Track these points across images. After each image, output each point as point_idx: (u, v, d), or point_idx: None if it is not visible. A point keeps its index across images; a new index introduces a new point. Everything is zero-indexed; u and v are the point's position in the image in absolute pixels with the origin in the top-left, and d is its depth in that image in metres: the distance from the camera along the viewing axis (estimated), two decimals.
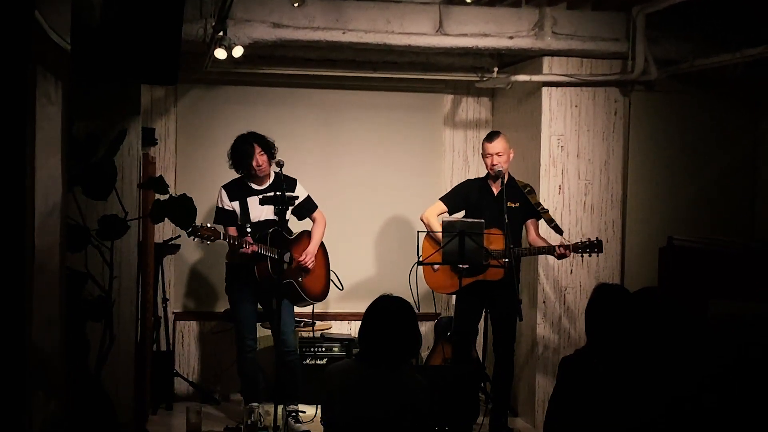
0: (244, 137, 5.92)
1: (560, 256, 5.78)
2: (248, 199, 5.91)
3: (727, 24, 6.23)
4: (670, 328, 3.69)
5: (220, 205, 5.97)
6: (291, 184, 6.03)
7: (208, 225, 5.65)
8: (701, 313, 5.06)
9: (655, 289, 4.41)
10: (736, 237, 6.29)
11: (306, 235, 6.13)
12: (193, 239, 5.62)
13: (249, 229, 5.75)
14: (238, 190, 5.95)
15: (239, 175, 5.99)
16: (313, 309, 6.18)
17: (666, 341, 3.67)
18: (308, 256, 6.00)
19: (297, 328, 6.44)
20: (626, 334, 3.70)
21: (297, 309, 6.20)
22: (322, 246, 6.18)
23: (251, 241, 5.70)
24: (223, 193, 5.97)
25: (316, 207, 6.17)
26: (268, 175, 6.00)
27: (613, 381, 3.65)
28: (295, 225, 6.18)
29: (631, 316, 3.71)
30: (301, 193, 6.07)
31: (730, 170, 6.68)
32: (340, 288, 6.21)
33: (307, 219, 6.20)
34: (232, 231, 5.90)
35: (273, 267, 5.72)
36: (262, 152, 5.89)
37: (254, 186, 5.95)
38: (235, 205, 5.92)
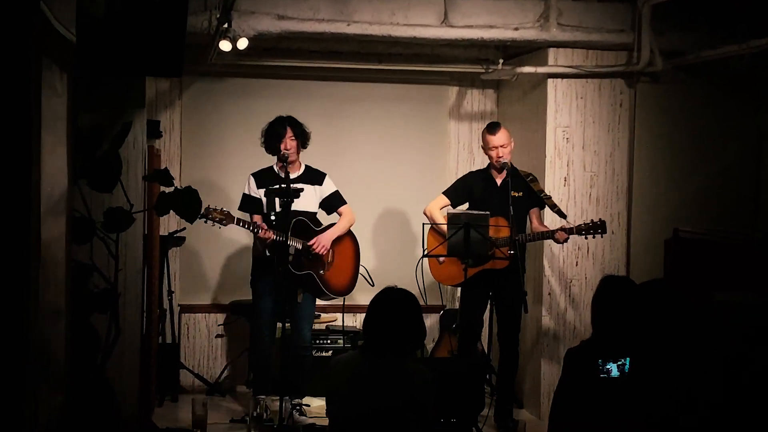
0: (281, 119, 5.90)
1: (561, 241, 5.80)
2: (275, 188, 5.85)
3: (733, 15, 6.21)
4: (676, 321, 3.68)
5: (247, 192, 5.95)
6: (320, 177, 6.03)
7: (222, 208, 5.64)
8: (706, 304, 5.06)
9: (661, 281, 4.40)
10: (741, 228, 6.28)
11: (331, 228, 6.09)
12: (205, 221, 5.60)
13: (273, 219, 5.65)
14: (265, 178, 5.88)
15: (271, 165, 5.91)
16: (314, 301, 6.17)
17: (672, 333, 3.66)
18: (319, 243, 5.88)
19: None
20: (632, 326, 3.70)
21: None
22: (353, 240, 6.12)
23: (265, 227, 5.67)
24: (251, 180, 5.95)
25: (345, 202, 6.10)
26: (298, 165, 5.99)
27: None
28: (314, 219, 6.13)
29: (637, 308, 3.70)
30: (329, 187, 6.05)
31: (735, 162, 6.66)
32: (371, 284, 6.00)
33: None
34: (257, 219, 5.88)
35: (292, 257, 5.72)
36: (293, 138, 5.86)
37: (283, 175, 5.89)
38: (262, 194, 5.88)
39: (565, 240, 5.81)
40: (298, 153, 5.93)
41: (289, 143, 5.85)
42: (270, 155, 5.94)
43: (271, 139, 5.87)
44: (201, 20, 5.82)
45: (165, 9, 4.34)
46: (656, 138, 6.55)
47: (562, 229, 5.78)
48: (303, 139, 5.94)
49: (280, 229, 5.66)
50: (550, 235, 5.81)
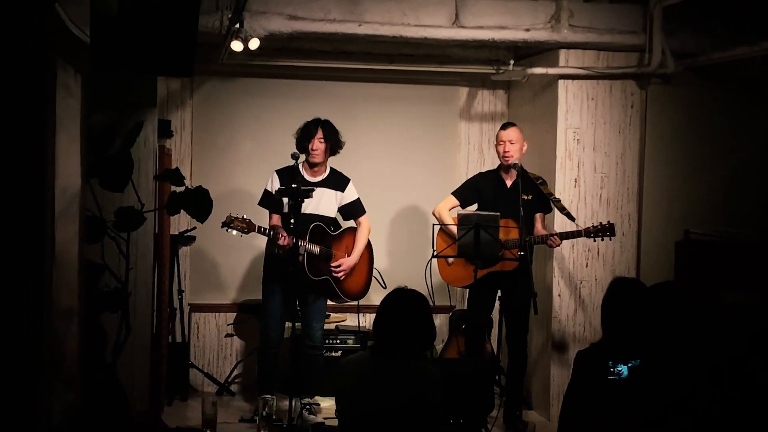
0: (317, 120, 5.92)
1: (553, 246, 5.85)
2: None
3: (745, 16, 6.19)
4: (686, 323, 3.67)
5: (269, 188, 5.93)
6: (343, 183, 6.02)
7: (244, 217, 5.64)
8: (717, 306, 5.05)
9: (672, 283, 4.39)
10: (752, 230, 6.27)
11: (348, 232, 6.08)
12: (227, 230, 5.62)
13: (292, 223, 5.58)
14: (289, 177, 5.80)
15: (294, 163, 5.80)
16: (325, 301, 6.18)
17: (682, 335, 3.65)
18: (342, 269, 5.93)
19: None
20: (642, 329, 3.69)
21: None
22: (368, 244, 6.15)
23: (285, 234, 5.66)
24: (275, 177, 5.93)
25: (364, 212, 6.12)
26: (324, 168, 5.98)
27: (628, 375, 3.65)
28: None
29: (648, 310, 3.70)
30: (351, 194, 6.05)
31: (746, 164, 6.64)
32: (384, 287, 6.11)
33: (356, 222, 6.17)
34: (276, 218, 5.88)
35: (308, 262, 5.72)
36: (323, 140, 5.85)
37: (307, 177, 5.89)
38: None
39: (558, 245, 5.82)
40: (325, 157, 5.93)
41: (317, 144, 5.85)
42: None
43: (302, 136, 5.89)
44: (212, 20, 5.83)
45: (177, 9, 4.35)
46: (667, 139, 6.54)
47: (553, 234, 5.79)
48: (333, 143, 5.92)
49: (295, 231, 5.61)
50: (544, 240, 5.81)
